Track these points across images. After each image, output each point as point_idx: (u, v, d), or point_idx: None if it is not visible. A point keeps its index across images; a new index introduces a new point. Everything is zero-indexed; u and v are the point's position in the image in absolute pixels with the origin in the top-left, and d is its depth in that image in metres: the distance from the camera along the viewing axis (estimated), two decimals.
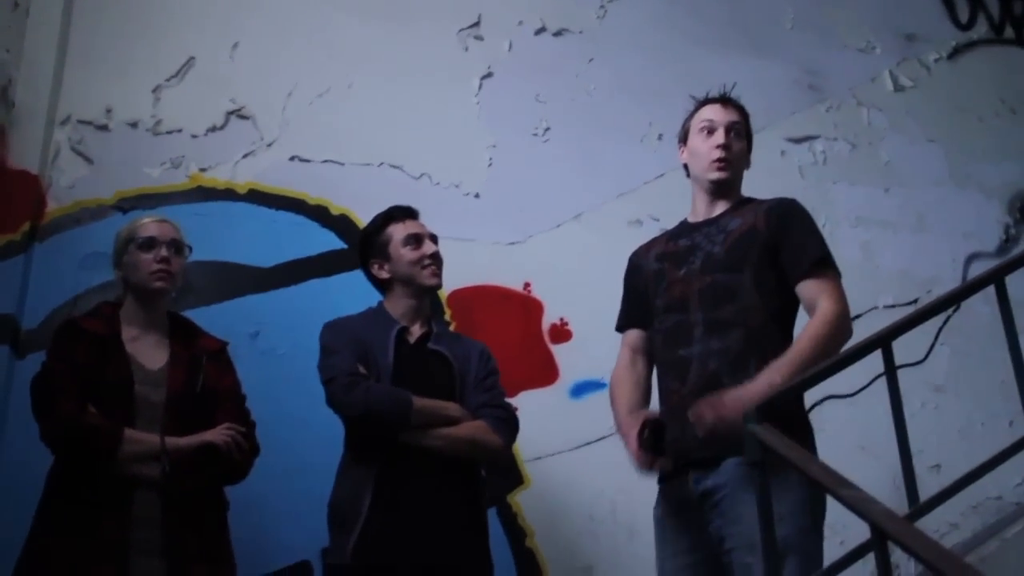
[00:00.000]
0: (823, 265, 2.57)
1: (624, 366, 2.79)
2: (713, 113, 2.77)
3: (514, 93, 4.34)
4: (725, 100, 2.81)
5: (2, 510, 3.13)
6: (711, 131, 2.74)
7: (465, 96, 4.28)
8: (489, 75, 4.34)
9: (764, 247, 2.59)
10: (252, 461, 2.83)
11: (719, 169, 2.71)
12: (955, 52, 5.15)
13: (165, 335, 2.88)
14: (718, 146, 2.71)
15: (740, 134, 2.78)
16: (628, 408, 2.68)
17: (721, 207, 2.75)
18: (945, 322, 3.93)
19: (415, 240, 3.02)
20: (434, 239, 3.07)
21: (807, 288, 2.55)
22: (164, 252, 2.86)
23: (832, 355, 2.39)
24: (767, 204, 2.70)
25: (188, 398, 2.75)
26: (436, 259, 3.03)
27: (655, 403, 2.73)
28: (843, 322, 2.49)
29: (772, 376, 2.37)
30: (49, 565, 2.48)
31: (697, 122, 2.79)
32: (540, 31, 4.50)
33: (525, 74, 4.38)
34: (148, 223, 2.93)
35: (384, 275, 3.03)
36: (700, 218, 2.77)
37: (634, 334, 2.81)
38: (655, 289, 2.72)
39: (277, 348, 3.61)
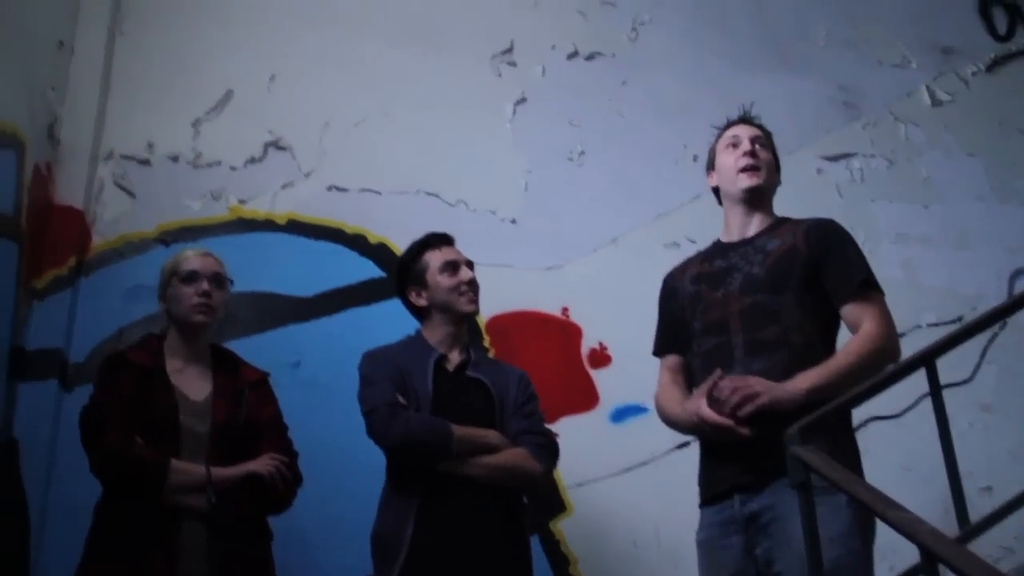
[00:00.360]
0: (867, 287, 2.56)
1: (667, 384, 2.78)
2: (736, 130, 2.81)
3: (548, 118, 4.36)
4: (747, 120, 2.85)
5: (53, 540, 3.20)
6: (736, 145, 2.77)
7: (499, 122, 4.31)
8: (523, 100, 4.37)
9: (805, 268, 2.58)
10: (295, 491, 2.85)
11: (749, 176, 2.72)
12: (994, 64, 5.10)
13: (208, 367, 2.91)
14: (745, 153, 2.73)
15: (765, 146, 2.79)
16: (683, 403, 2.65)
17: (756, 226, 2.74)
18: (991, 340, 3.89)
19: (451, 267, 3.02)
20: (470, 265, 3.07)
21: (852, 311, 2.55)
22: (205, 286, 2.89)
23: (874, 374, 2.37)
24: (806, 224, 2.69)
25: (232, 429, 2.78)
26: (473, 285, 3.03)
27: None
28: (886, 342, 2.48)
29: (800, 382, 2.39)
30: None
31: (722, 142, 2.83)
32: (573, 55, 4.53)
33: (559, 98, 4.41)
34: (191, 256, 2.97)
35: (422, 303, 3.04)
36: (735, 238, 2.76)
37: (672, 359, 2.80)
38: (692, 311, 2.71)
39: (318, 377, 3.63)
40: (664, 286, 2.90)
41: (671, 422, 2.71)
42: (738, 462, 2.46)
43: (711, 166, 2.88)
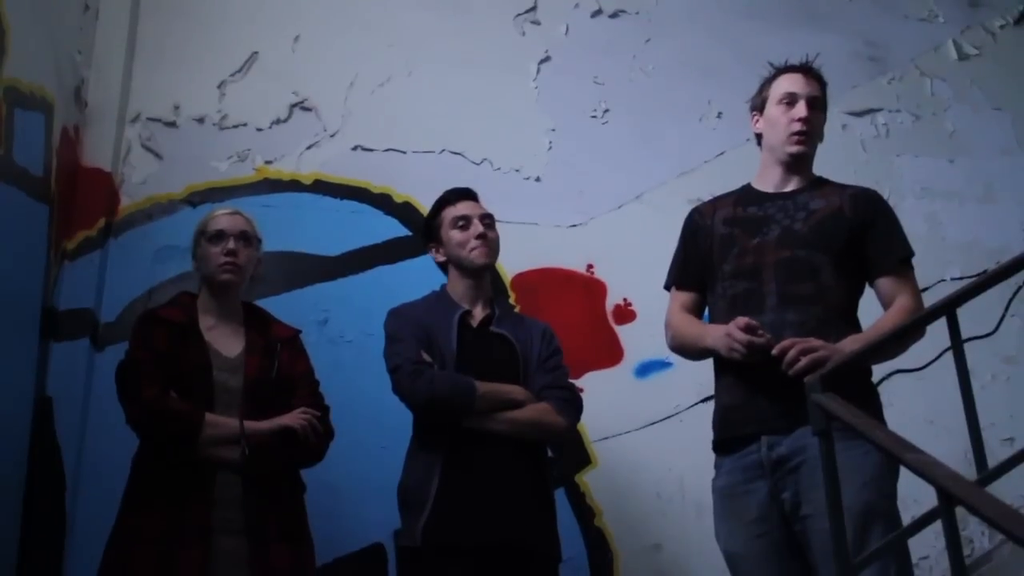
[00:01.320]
0: (906, 264, 2.62)
1: (678, 311, 2.81)
2: (794, 85, 2.73)
3: (572, 76, 4.36)
4: (807, 69, 2.77)
5: (87, 495, 3.27)
6: (792, 103, 2.71)
7: (523, 81, 4.31)
8: (547, 59, 4.36)
9: (850, 233, 2.60)
10: (327, 444, 2.89)
11: (798, 143, 2.69)
12: (1022, 17, 5.03)
13: (240, 324, 2.95)
14: (800, 119, 2.68)
15: (821, 108, 2.75)
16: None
17: (795, 182, 2.73)
18: (1015, 293, 3.86)
19: (463, 221, 3.02)
20: (485, 218, 3.05)
21: (888, 284, 2.60)
22: (231, 245, 2.92)
23: (906, 347, 2.43)
24: (851, 190, 2.70)
25: (264, 383, 2.82)
26: (484, 239, 3.01)
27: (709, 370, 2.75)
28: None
29: (850, 345, 2.41)
30: (138, 544, 2.56)
31: (777, 93, 2.74)
32: (596, 13, 4.51)
33: (583, 57, 4.40)
34: (220, 216, 3.00)
35: (440, 259, 3.07)
36: (770, 189, 2.75)
37: (686, 295, 2.81)
38: (722, 253, 2.71)
39: (345, 335, 3.69)
40: (691, 221, 2.88)
41: (684, 344, 2.74)
42: (767, 406, 2.48)
43: (759, 108, 2.81)
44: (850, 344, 2.42)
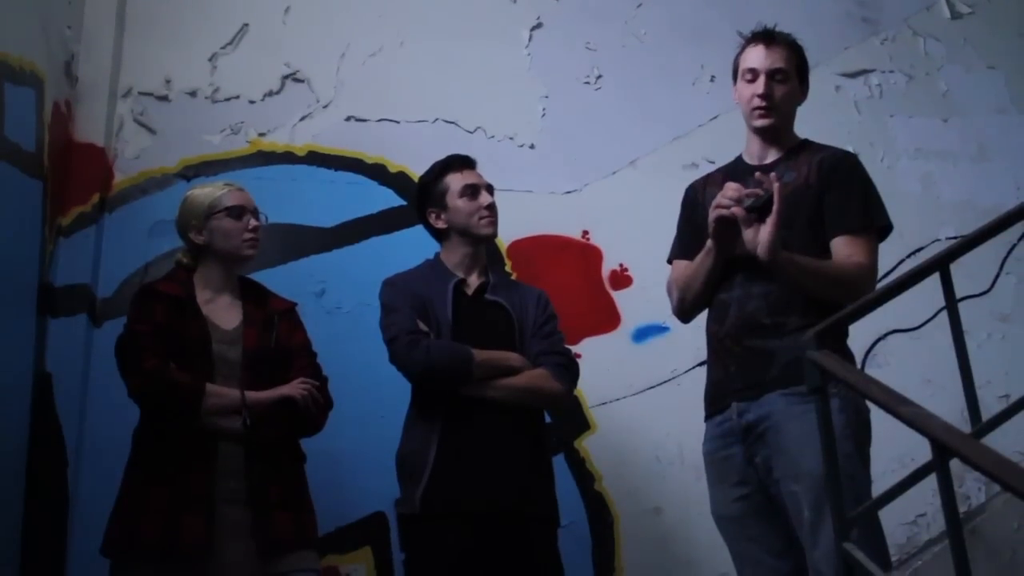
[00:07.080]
0: (862, 229, 2.57)
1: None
2: (755, 59, 2.71)
3: (564, 42, 4.34)
4: (769, 39, 2.73)
5: (89, 470, 3.30)
6: (753, 79, 2.71)
7: (516, 48, 4.29)
8: (539, 26, 4.34)
9: (813, 204, 2.59)
10: (327, 414, 2.90)
11: (760, 117, 2.69)
12: None
13: (237, 297, 2.94)
14: (758, 95, 2.68)
15: (785, 78, 2.70)
16: None
17: (775, 153, 2.73)
18: (1010, 251, 3.87)
19: (471, 191, 3.03)
20: (490, 189, 3.08)
21: (839, 245, 2.56)
22: (253, 221, 2.93)
23: (838, 296, 2.39)
24: (820, 156, 2.67)
25: (263, 355, 2.83)
26: (492, 210, 3.03)
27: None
28: (862, 280, 2.49)
29: (783, 252, 2.42)
30: (143, 515, 2.58)
31: (742, 67, 2.75)
32: None
33: (574, 23, 4.38)
34: (229, 192, 2.96)
35: (441, 225, 3.05)
36: (755, 161, 2.75)
37: (682, 264, 2.79)
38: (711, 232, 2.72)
39: (342, 305, 3.70)
40: (687, 196, 2.90)
41: (690, 281, 2.71)
42: (735, 376, 2.55)
43: (734, 80, 2.81)
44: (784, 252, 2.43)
